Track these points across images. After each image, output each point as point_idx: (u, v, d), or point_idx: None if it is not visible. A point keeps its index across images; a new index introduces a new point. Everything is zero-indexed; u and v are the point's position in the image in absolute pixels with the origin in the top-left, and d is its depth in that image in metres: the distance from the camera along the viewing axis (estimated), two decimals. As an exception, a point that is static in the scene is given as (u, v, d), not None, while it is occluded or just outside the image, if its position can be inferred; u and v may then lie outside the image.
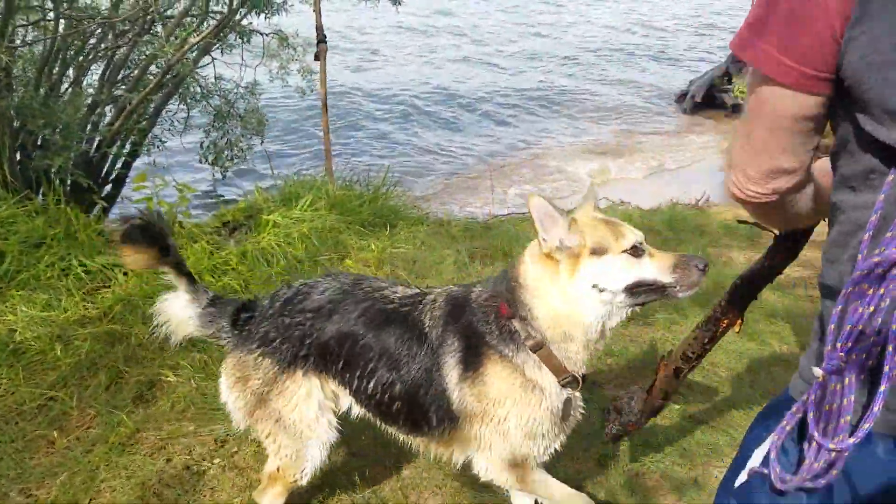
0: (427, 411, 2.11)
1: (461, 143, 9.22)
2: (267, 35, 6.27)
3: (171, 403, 3.04)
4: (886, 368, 1.03)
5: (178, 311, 2.26)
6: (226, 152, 6.65)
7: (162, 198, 4.36)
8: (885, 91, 1.00)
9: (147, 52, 5.43)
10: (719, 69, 11.07)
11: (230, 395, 2.26)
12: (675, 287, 1.89)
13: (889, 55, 0.97)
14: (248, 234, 4.53)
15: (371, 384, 2.15)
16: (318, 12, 5.05)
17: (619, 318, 1.95)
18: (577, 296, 1.89)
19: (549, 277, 1.92)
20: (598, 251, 1.88)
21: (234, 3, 5.24)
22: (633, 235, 1.91)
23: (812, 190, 1.29)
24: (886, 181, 1.03)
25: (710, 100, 10.81)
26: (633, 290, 1.89)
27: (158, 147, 5.68)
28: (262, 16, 5.94)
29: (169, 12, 5.66)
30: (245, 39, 6.09)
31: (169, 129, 5.85)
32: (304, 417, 2.20)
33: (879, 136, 1.03)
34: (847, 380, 1.08)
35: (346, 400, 2.28)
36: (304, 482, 2.31)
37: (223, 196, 6.81)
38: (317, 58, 5.14)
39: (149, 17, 5.42)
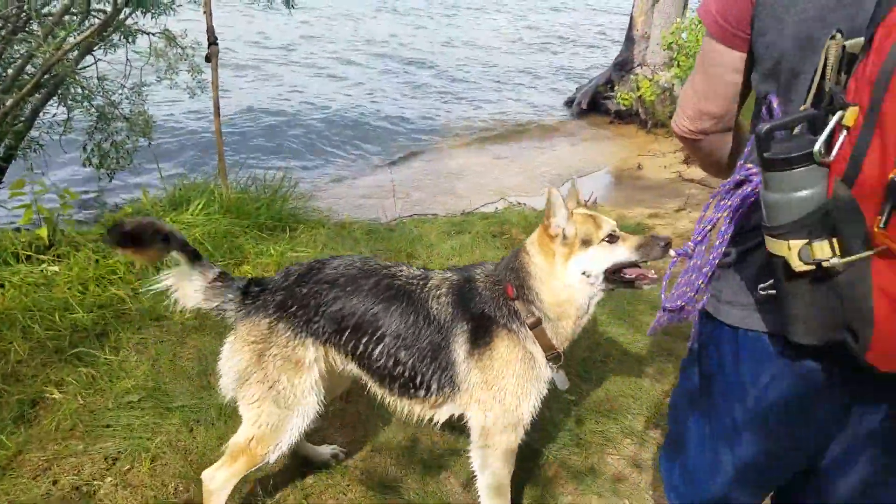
0: (428, 378, 2.36)
1: (360, 149, 9.21)
2: (154, 35, 6.05)
3: (57, 422, 2.88)
4: (711, 256, 1.39)
5: (186, 284, 2.37)
6: (111, 155, 6.35)
7: (42, 204, 4.11)
8: (763, 53, 1.28)
9: (23, 52, 5.12)
10: (603, 77, 11.59)
11: (233, 358, 2.37)
12: (643, 262, 2.29)
13: (769, 23, 1.25)
14: (137, 242, 4.35)
15: (378, 350, 2.36)
16: (208, 13, 4.89)
17: (600, 296, 2.34)
18: (570, 282, 2.27)
19: (549, 267, 2.29)
20: (585, 242, 2.26)
21: (119, 2, 5.01)
22: (608, 225, 2.31)
23: (732, 143, 1.57)
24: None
25: (594, 106, 11.31)
26: (611, 272, 2.28)
27: (36, 150, 5.33)
28: (150, 16, 5.74)
29: (47, 9, 5.37)
30: (129, 40, 5.85)
31: (48, 132, 5.50)
32: (304, 384, 2.35)
33: (757, 88, 1.35)
34: (692, 263, 1.47)
35: (347, 366, 2.46)
36: (272, 458, 2.38)
37: (108, 201, 6.47)
38: (208, 59, 4.97)
39: (24, 14, 5.12)
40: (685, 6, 10.84)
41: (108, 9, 5.59)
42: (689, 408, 1.60)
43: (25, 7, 4.97)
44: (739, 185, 1.35)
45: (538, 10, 23.49)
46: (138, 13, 5.72)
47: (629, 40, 11.16)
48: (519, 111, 11.62)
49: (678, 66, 9.50)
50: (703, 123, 1.49)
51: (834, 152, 1.05)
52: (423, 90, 12.42)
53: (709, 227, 1.41)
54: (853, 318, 1.09)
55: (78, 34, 5.39)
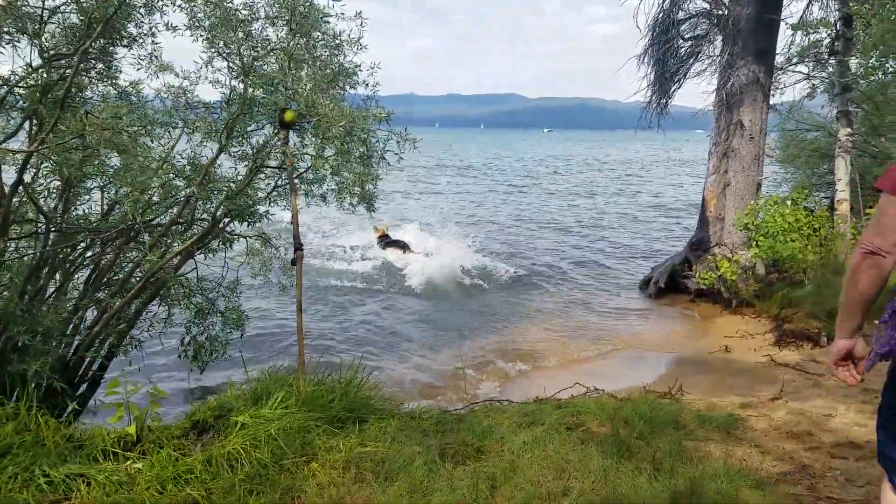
0: None
1: (432, 334, 9.53)
2: (251, 238, 6.69)
3: None
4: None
5: None
6: (206, 347, 6.78)
7: (134, 402, 4.39)
8: None
9: (133, 258, 5.75)
10: (679, 257, 11.67)
11: None
12: None
13: None
14: (216, 438, 4.52)
15: None
16: (295, 224, 5.46)
17: None
18: None
19: None
20: None
21: (219, 214, 5.64)
22: None
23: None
24: None
25: (673, 285, 11.30)
26: None
27: (135, 347, 5.78)
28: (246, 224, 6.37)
29: (157, 221, 6.06)
30: (228, 245, 6.47)
31: (148, 331, 5.99)
32: None
33: None
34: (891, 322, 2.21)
35: None
36: None
37: (196, 392, 6.82)
38: (293, 263, 5.44)
39: (136, 226, 5.81)
40: (758, 189, 11.01)
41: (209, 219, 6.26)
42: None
43: (137, 221, 5.64)
44: None
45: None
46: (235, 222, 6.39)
47: (703, 221, 11.33)
48: (589, 288, 11.87)
49: (757, 245, 9.47)
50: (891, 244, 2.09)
51: None
52: (492, 273, 13.17)
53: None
54: None
55: (181, 243, 6.03)
